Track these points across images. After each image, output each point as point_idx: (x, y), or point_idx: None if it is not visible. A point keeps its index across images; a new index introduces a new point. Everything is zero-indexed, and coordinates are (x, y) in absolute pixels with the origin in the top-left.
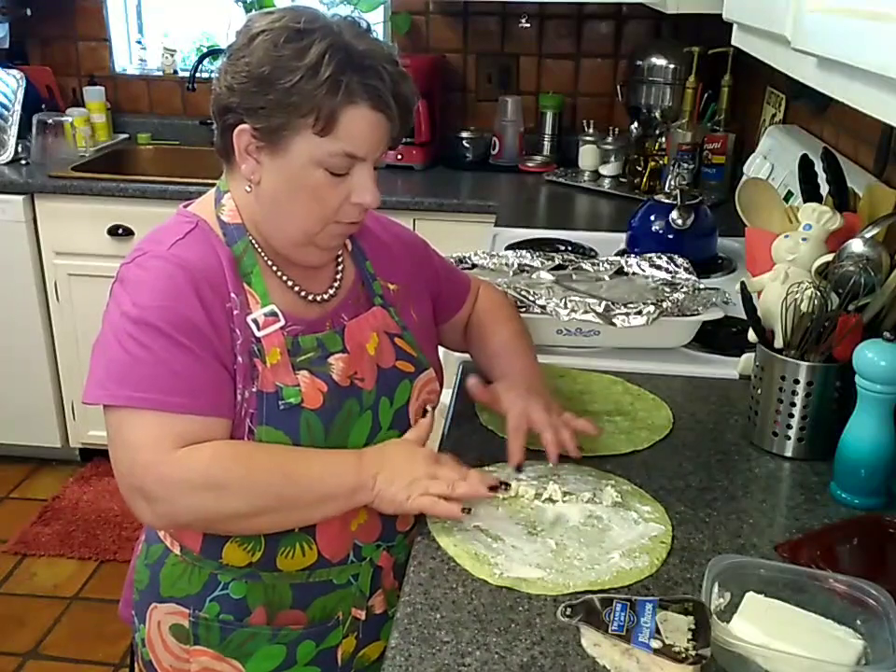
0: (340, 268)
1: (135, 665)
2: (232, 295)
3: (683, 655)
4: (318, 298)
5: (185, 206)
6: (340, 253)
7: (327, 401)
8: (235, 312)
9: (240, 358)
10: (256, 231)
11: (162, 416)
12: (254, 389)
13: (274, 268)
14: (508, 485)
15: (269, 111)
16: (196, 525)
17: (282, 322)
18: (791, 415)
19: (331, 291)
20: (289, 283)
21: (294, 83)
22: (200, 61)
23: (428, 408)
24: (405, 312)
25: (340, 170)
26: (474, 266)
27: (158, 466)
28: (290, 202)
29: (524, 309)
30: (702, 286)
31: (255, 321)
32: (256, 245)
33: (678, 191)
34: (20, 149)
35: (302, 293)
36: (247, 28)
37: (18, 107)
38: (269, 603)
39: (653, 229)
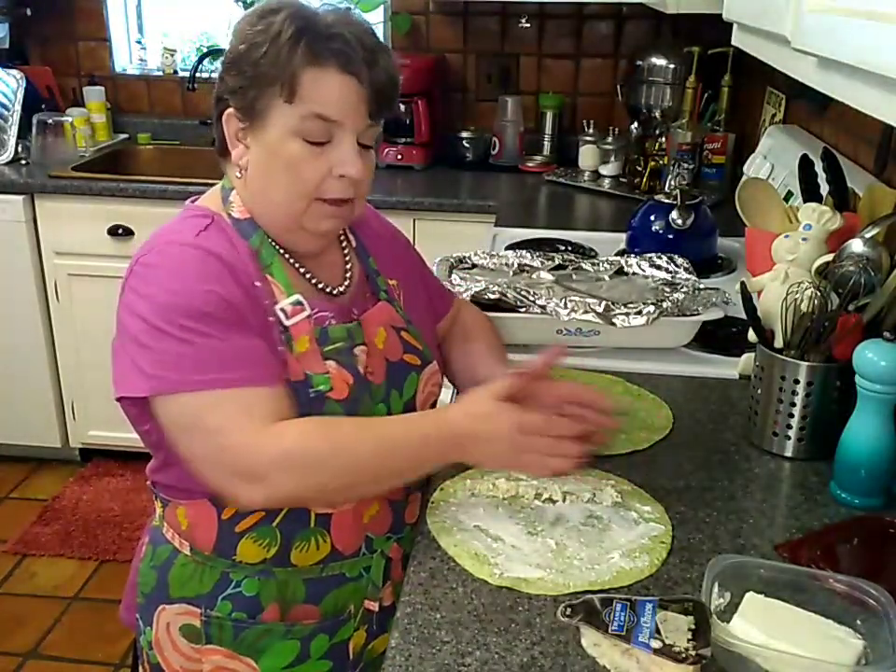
0: (349, 265)
1: (140, 668)
2: (258, 284)
3: (683, 655)
4: (334, 291)
5: (193, 202)
6: (346, 248)
7: (352, 393)
8: (265, 302)
9: (279, 345)
10: (260, 222)
11: (241, 393)
12: (285, 377)
13: (291, 260)
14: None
15: (246, 88)
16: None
17: (308, 311)
18: (791, 415)
19: (344, 285)
20: (307, 275)
21: (261, 54)
22: (200, 61)
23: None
24: (407, 306)
25: (317, 137)
26: (474, 266)
27: (252, 444)
28: (271, 179)
29: (524, 309)
30: (702, 286)
31: (282, 310)
32: (269, 238)
33: (678, 191)
34: (20, 149)
35: (319, 284)
36: (235, 22)
37: (18, 107)
38: (282, 599)
39: (653, 229)
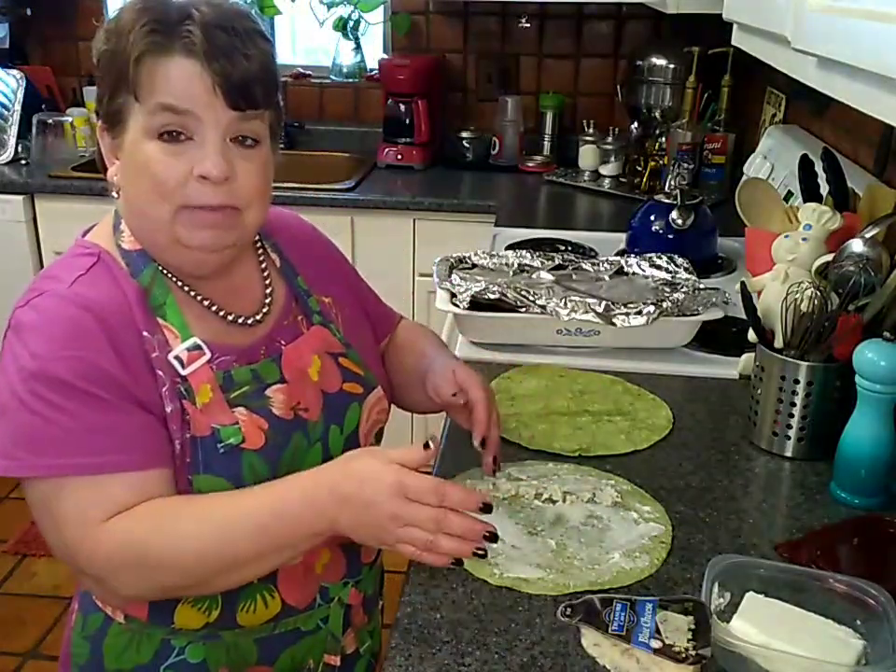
0: (269, 289)
1: None
2: (145, 334)
3: (683, 655)
4: (248, 321)
5: (84, 235)
6: (266, 269)
7: (270, 439)
8: (154, 354)
9: (168, 404)
10: (146, 247)
11: (93, 481)
12: (188, 435)
13: (192, 292)
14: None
15: (105, 96)
16: (153, 598)
17: (208, 355)
18: (791, 415)
19: (262, 313)
20: (213, 307)
21: (109, 53)
22: None
23: (430, 442)
24: (346, 327)
25: (171, 131)
26: (474, 266)
27: (83, 543)
28: (133, 188)
29: (524, 309)
30: (702, 286)
31: (177, 358)
32: (164, 271)
33: (678, 191)
34: (20, 149)
35: (229, 317)
36: None
37: (18, 107)
38: (231, 663)
39: (653, 229)
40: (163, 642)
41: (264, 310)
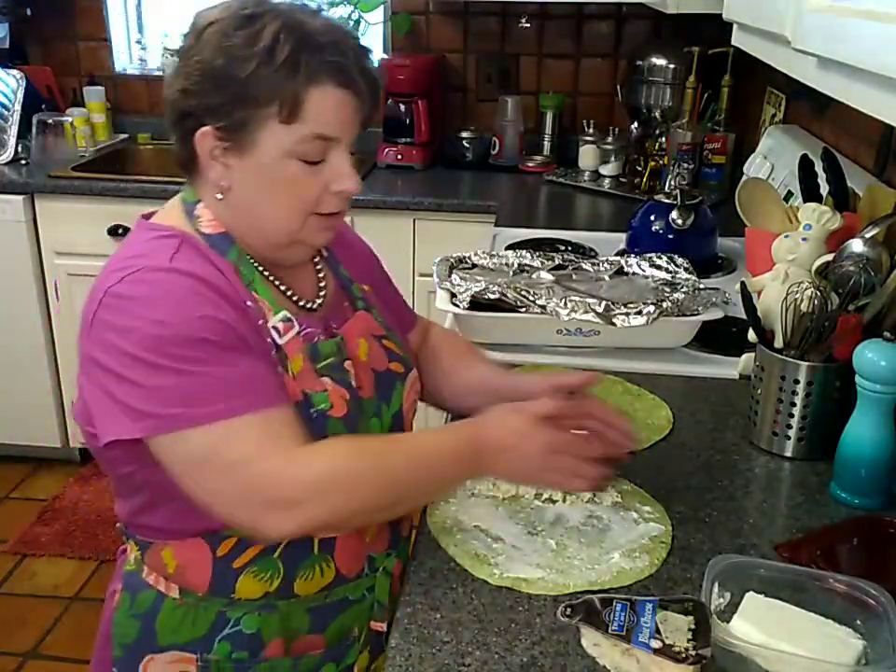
0: (321, 275)
1: None
2: (249, 304)
3: (683, 655)
4: (310, 305)
5: (147, 219)
6: (318, 260)
7: (351, 409)
8: (259, 321)
9: (278, 367)
10: (239, 238)
11: (260, 418)
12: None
13: (267, 273)
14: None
15: (229, 107)
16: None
17: (297, 327)
18: (791, 415)
19: (320, 300)
20: (282, 287)
21: (251, 72)
22: None
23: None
24: (383, 312)
25: (314, 157)
26: (474, 266)
27: (285, 470)
28: (267, 201)
29: (524, 309)
30: (702, 286)
31: (275, 328)
32: (245, 254)
33: (678, 191)
34: (20, 149)
35: (294, 297)
36: (194, 24)
37: (18, 107)
38: (286, 632)
39: (653, 229)
40: (219, 614)
41: (321, 294)
